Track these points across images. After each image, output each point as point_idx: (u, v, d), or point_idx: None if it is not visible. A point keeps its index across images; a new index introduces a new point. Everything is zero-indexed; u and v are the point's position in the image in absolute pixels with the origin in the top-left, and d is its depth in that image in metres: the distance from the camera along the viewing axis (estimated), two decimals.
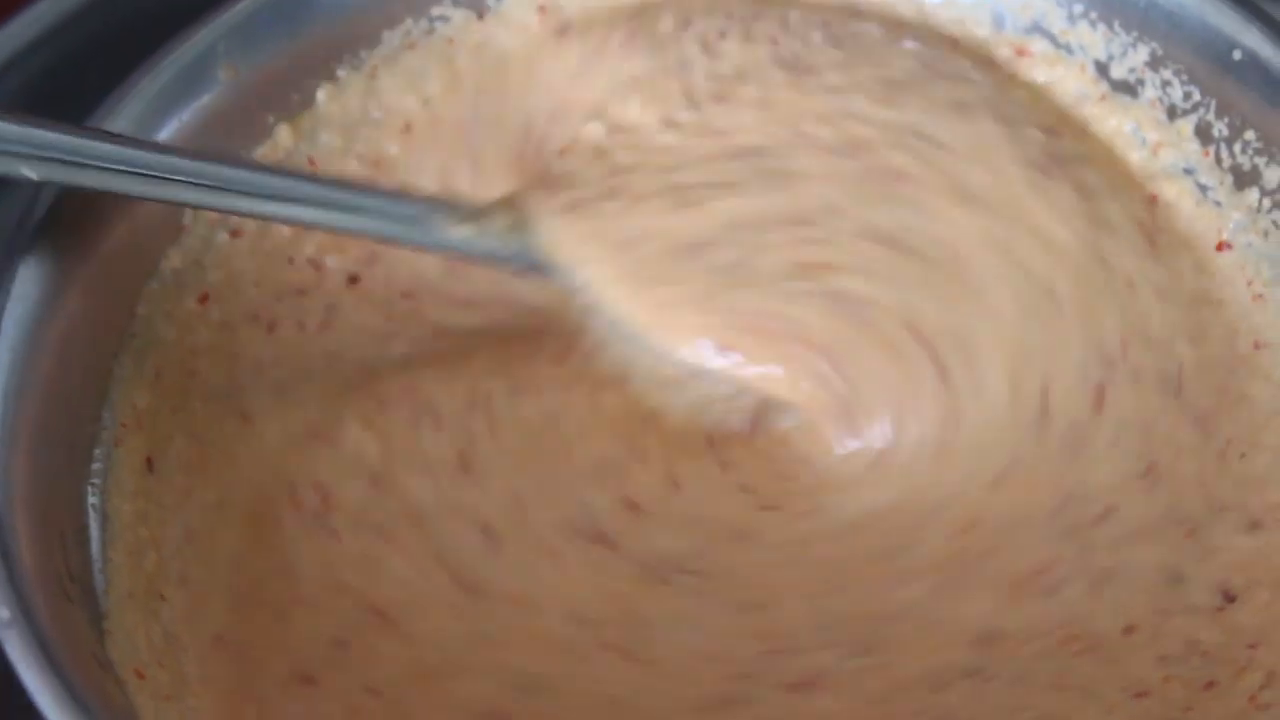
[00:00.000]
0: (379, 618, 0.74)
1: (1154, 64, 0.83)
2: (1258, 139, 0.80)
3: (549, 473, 0.77)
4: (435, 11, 0.86)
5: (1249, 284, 0.80)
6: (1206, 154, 0.82)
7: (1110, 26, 0.83)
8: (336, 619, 0.74)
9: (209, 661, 0.74)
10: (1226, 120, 0.81)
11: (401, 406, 0.79)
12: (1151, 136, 0.83)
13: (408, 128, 0.86)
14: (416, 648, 0.73)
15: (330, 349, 0.82)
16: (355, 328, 0.82)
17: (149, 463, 0.78)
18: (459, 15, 0.86)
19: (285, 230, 0.84)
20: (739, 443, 0.77)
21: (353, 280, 0.83)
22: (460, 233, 0.77)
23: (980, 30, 0.85)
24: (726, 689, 0.71)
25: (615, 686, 0.72)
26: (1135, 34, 0.83)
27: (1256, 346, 0.79)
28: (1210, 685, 0.72)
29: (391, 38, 0.86)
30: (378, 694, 0.72)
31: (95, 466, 0.77)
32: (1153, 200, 0.82)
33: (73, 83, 0.85)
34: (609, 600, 0.74)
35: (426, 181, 0.84)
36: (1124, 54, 0.83)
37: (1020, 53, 0.85)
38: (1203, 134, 0.82)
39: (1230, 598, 0.74)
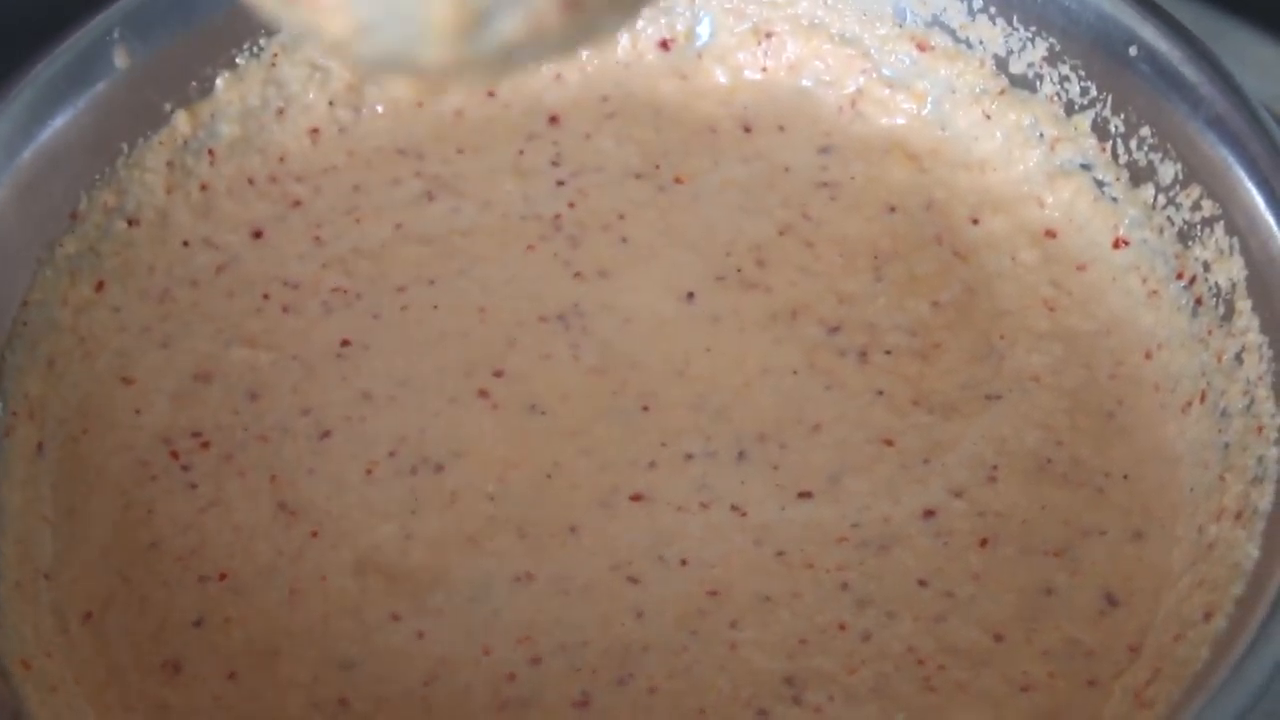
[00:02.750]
0: (223, 585, 0.75)
1: (1052, 59, 0.83)
2: (1153, 135, 0.80)
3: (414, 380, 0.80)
4: None
5: (1144, 281, 0.80)
6: (1103, 150, 0.82)
7: (1009, 21, 0.83)
8: (193, 595, 0.75)
9: (85, 651, 0.74)
10: (1123, 116, 0.81)
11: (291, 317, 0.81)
12: (1050, 132, 0.83)
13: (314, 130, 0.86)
14: (252, 611, 0.74)
15: (224, 291, 0.83)
16: (251, 274, 0.83)
17: (40, 449, 0.78)
18: None
19: (184, 216, 0.84)
20: None
21: (256, 235, 0.84)
22: None
23: (881, 27, 0.85)
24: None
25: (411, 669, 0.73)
26: (1034, 29, 0.83)
27: (1148, 356, 0.80)
28: (1092, 683, 0.72)
29: None
30: (235, 678, 0.73)
31: None
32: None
33: None
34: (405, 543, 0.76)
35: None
36: (1023, 49, 0.83)
37: (921, 47, 0.85)
38: (1100, 130, 0.82)
39: (1113, 602, 0.74)
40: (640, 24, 0.87)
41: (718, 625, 0.74)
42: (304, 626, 0.74)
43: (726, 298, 0.82)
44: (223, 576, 0.75)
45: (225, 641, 0.74)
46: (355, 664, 0.73)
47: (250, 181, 0.85)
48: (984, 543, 0.75)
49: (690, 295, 0.82)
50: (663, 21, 0.87)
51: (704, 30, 0.87)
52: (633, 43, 0.87)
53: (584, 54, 0.86)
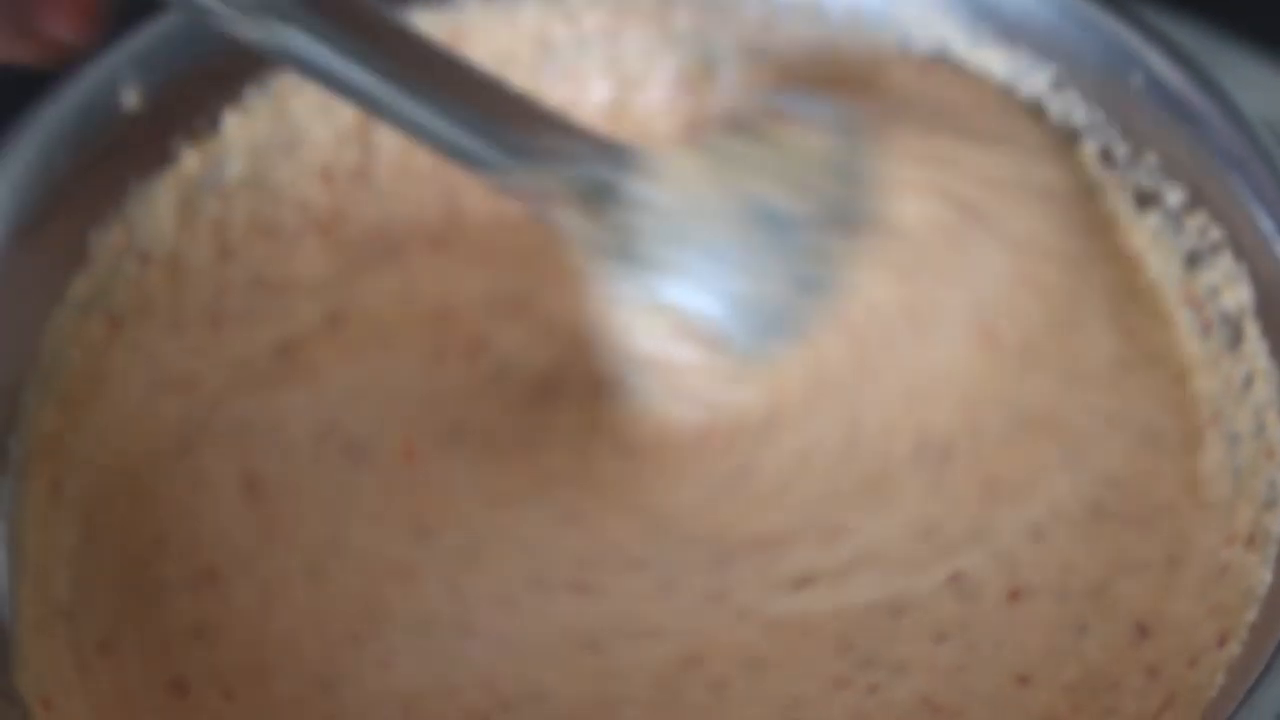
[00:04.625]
0: (211, 579, 0.76)
1: (1057, 86, 0.83)
2: (1159, 161, 0.81)
3: None
4: None
5: None
6: (1110, 177, 0.82)
7: (1014, 48, 0.84)
8: (192, 597, 0.75)
9: (103, 683, 0.74)
10: (1129, 143, 0.82)
11: None
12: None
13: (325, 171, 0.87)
14: (238, 619, 0.75)
15: (237, 329, 0.83)
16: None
17: (57, 489, 0.78)
18: None
19: (196, 253, 0.84)
20: None
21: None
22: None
23: (886, 53, 0.86)
24: None
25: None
26: (1038, 56, 0.83)
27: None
28: (1111, 711, 0.72)
29: None
30: (232, 697, 0.73)
31: (2, 495, 0.76)
32: None
33: None
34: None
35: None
36: (1028, 75, 0.84)
37: (926, 74, 0.85)
38: (1106, 157, 0.82)
39: (1144, 632, 0.74)
40: (659, 72, 0.88)
41: (697, 690, 0.73)
42: (282, 640, 0.75)
43: None
44: (211, 576, 0.76)
45: (221, 656, 0.75)
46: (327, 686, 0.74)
47: (261, 217, 0.85)
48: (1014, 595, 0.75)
49: None
50: (677, 60, 0.88)
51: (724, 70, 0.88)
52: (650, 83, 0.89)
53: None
